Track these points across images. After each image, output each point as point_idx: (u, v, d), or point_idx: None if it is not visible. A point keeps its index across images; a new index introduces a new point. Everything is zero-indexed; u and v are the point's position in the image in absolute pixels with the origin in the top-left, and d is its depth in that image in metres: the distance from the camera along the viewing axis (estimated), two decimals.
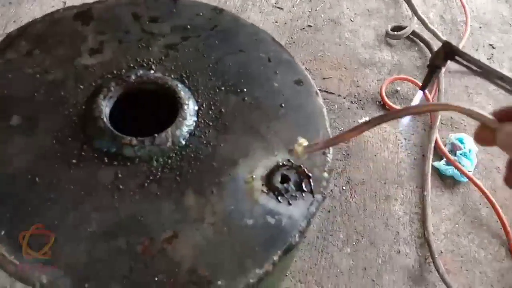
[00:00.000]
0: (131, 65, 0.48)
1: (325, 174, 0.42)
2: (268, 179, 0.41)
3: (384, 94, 1.80)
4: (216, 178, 0.41)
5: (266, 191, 0.40)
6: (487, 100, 1.86)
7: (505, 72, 1.88)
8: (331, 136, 0.46)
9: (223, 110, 0.46)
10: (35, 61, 0.47)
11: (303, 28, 2.10)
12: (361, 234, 1.48)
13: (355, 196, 1.57)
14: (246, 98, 0.48)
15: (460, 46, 1.99)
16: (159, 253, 0.36)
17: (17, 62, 0.46)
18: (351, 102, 1.84)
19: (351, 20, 2.16)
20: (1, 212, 0.37)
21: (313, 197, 0.39)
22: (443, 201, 1.57)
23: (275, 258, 0.37)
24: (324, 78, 1.91)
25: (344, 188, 1.59)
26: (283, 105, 0.47)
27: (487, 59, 2.01)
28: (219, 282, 0.34)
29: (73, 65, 0.47)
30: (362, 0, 2.20)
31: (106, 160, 0.41)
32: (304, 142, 0.38)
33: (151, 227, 0.38)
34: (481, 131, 0.40)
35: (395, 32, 2.01)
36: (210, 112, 0.46)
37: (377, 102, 1.83)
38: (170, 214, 0.38)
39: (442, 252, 1.45)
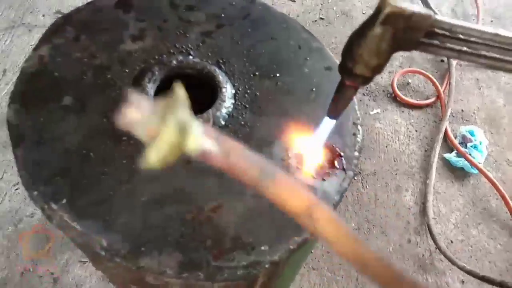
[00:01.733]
0: (171, 51, 0.51)
1: (356, 153, 0.45)
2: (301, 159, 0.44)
3: (395, 86, 1.82)
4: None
5: (304, 169, 0.43)
6: (497, 93, 1.88)
7: None
8: (358, 118, 0.48)
9: (257, 94, 0.49)
10: (82, 46, 0.50)
11: (315, 21, 2.12)
12: (372, 223, 1.51)
13: (367, 187, 1.60)
14: (278, 83, 0.51)
15: None
16: (206, 221, 0.39)
17: (65, 47, 0.50)
18: (363, 94, 1.86)
19: (363, 13, 2.18)
20: (61, 184, 0.40)
21: (346, 173, 0.42)
22: (453, 192, 1.60)
23: None
24: None
25: (355, 178, 1.62)
26: (313, 89, 0.50)
27: None
28: (262, 248, 0.38)
29: (117, 50, 0.50)
30: None
31: None
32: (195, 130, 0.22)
33: (198, 198, 0.41)
34: None
35: None
36: (246, 95, 0.49)
37: (389, 94, 1.85)
38: (214, 186, 0.42)
39: (452, 242, 1.48)
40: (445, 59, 1.95)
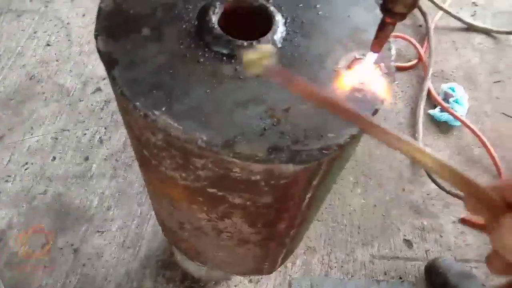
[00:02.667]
0: None
1: (392, 63, 0.54)
2: (350, 68, 0.53)
3: None
4: (311, 69, 0.53)
5: (351, 76, 0.52)
6: (473, 53, 2.02)
7: (488, 26, 2.01)
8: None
9: (304, 21, 0.58)
10: None
11: None
12: (369, 177, 1.63)
13: (361, 144, 1.71)
14: (319, 12, 0.59)
15: (446, 5, 2.13)
16: (282, 118, 0.47)
17: None
18: None
19: None
20: (158, 95, 0.47)
21: (387, 78, 0.52)
22: (439, 144, 1.73)
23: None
24: None
25: None
26: (349, 15, 0.59)
27: (471, 16, 2.16)
28: (329, 135, 0.46)
29: None
30: None
31: (225, 59, 0.52)
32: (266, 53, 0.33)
33: (271, 102, 0.49)
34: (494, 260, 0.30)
35: None
36: (294, 23, 0.57)
37: None
38: (283, 93, 0.50)
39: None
40: (423, 23, 2.07)
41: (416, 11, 2.13)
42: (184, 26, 0.54)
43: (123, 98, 0.47)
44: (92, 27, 0.53)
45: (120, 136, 1.61)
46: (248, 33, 0.55)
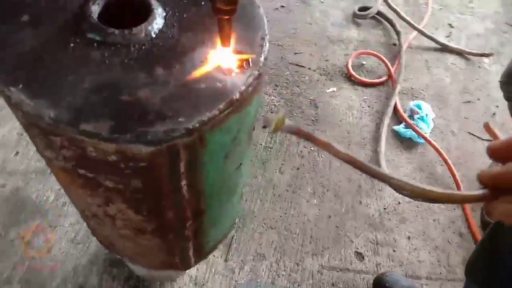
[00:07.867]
0: None
1: (262, 59, 0.57)
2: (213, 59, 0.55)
3: (350, 67, 1.96)
4: (178, 59, 0.55)
5: (217, 68, 0.54)
6: (445, 72, 2.03)
7: (462, 47, 2.02)
8: (266, 34, 0.60)
9: (185, 15, 0.60)
10: None
11: (277, 8, 2.25)
12: (326, 188, 1.63)
13: (322, 156, 1.72)
14: (203, 9, 0.62)
15: (422, 25, 2.16)
16: (136, 102, 0.50)
17: None
18: (320, 74, 2.00)
19: (321, 2, 2.32)
20: (21, 74, 0.50)
21: (251, 72, 0.54)
22: (402, 160, 1.73)
23: (221, 106, 0.51)
24: (295, 53, 2.07)
25: (312, 148, 1.74)
26: None
27: (446, 37, 2.19)
28: (180, 119, 0.48)
29: None
30: None
31: (96, 45, 0.55)
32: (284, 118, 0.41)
33: (131, 86, 0.51)
34: None
35: (362, 12, 2.17)
36: (175, 17, 0.60)
37: (344, 75, 1.99)
38: (144, 78, 0.52)
39: (399, 203, 1.61)
40: (397, 42, 2.10)
41: (391, 29, 2.16)
42: (65, 16, 0.57)
43: None
44: None
45: None
46: (131, 25, 0.58)
